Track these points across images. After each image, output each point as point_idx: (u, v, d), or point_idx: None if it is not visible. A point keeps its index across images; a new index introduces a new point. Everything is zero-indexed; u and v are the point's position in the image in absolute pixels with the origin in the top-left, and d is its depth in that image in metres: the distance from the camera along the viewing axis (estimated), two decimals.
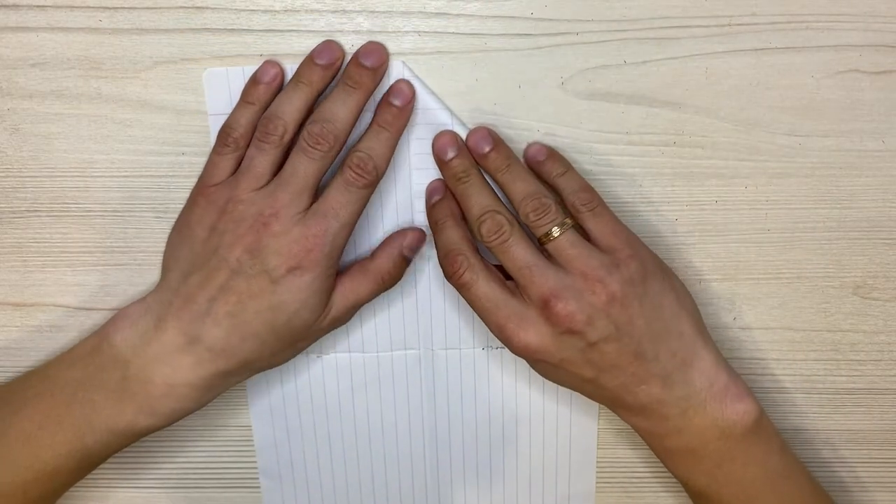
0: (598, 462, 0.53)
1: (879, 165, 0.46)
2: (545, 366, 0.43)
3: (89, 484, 0.51)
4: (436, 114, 0.45)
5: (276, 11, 0.43)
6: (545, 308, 0.42)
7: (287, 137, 0.42)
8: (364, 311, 0.48)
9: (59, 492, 0.44)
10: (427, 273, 0.48)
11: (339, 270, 0.45)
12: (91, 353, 0.43)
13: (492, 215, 0.43)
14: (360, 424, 0.52)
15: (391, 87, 0.44)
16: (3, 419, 0.42)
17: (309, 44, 0.43)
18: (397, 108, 0.43)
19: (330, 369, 0.50)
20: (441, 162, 0.45)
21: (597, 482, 0.53)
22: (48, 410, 0.42)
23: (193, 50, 0.44)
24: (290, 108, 0.42)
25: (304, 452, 0.53)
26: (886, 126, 0.45)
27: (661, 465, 0.46)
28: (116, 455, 0.44)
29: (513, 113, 0.45)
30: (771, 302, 0.49)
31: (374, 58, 0.43)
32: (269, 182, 0.42)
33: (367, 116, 0.44)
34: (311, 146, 0.41)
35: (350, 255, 0.47)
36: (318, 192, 0.43)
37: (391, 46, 0.44)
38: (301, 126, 0.42)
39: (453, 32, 0.44)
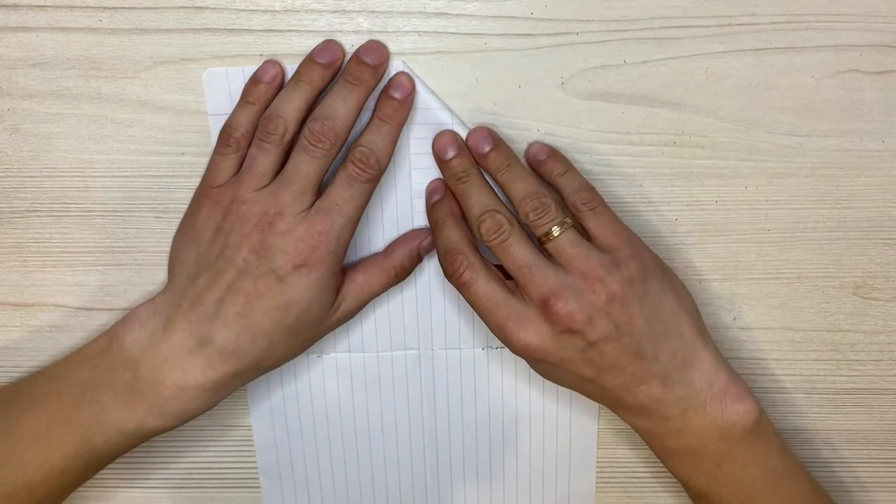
0: (598, 462, 0.53)
1: (879, 165, 0.46)
2: (545, 365, 0.43)
3: (91, 484, 0.50)
4: (436, 113, 0.45)
5: (276, 11, 0.43)
6: (545, 307, 0.42)
7: (288, 136, 0.42)
8: (364, 311, 0.48)
9: (65, 492, 0.44)
10: (427, 273, 0.48)
11: (345, 266, 0.45)
12: (100, 354, 0.43)
13: (491, 215, 0.43)
14: (360, 425, 0.52)
15: (391, 80, 0.44)
16: (10, 419, 0.42)
17: (309, 44, 0.43)
18: (398, 101, 0.43)
19: (330, 369, 0.50)
20: (441, 161, 0.45)
21: (597, 482, 0.53)
22: (56, 411, 0.42)
23: (193, 50, 0.44)
24: (291, 107, 0.42)
25: (304, 452, 0.53)
26: (886, 126, 0.45)
27: (661, 465, 0.46)
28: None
29: (513, 113, 0.45)
30: (771, 302, 0.49)
31: (374, 55, 0.43)
32: (271, 181, 0.42)
33: (366, 116, 0.44)
34: (312, 144, 0.41)
35: (350, 255, 0.47)
36: (320, 189, 0.43)
37: (391, 46, 0.44)
38: (302, 125, 0.42)
39: (453, 32, 0.44)
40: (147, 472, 0.54)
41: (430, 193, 0.46)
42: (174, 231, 0.45)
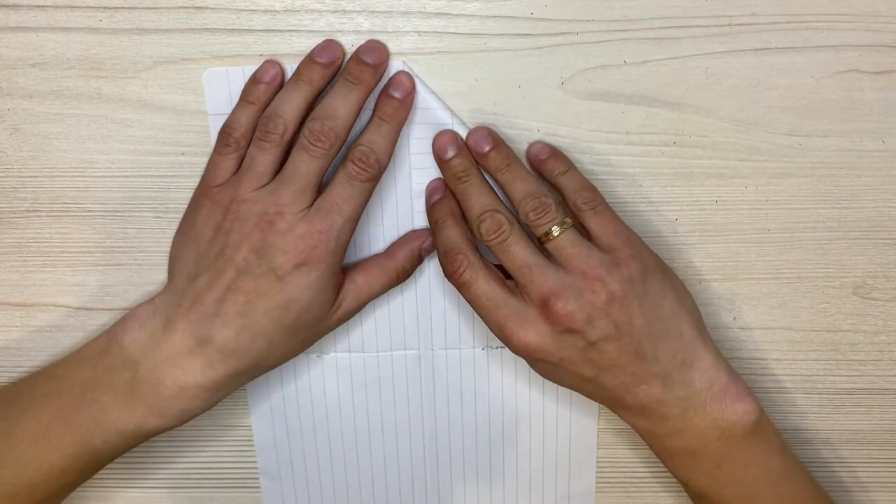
0: (598, 462, 0.53)
1: (879, 165, 0.46)
2: (545, 365, 0.43)
3: (91, 484, 0.51)
4: (436, 113, 0.45)
5: (276, 11, 0.43)
6: (545, 307, 0.42)
7: (287, 136, 0.42)
8: (364, 311, 0.48)
9: (65, 492, 0.44)
10: (427, 273, 0.48)
11: (345, 266, 0.45)
12: (100, 354, 0.43)
13: (491, 214, 0.43)
14: (360, 425, 0.52)
15: (391, 80, 0.44)
16: (10, 419, 0.42)
17: (309, 44, 0.43)
18: (398, 101, 0.43)
19: (330, 369, 0.50)
20: (441, 161, 0.45)
21: (597, 482, 0.53)
22: (56, 411, 0.42)
23: (193, 50, 0.44)
24: (290, 106, 0.42)
25: (304, 453, 0.53)
26: (886, 126, 0.45)
27: (661, 465, 0.46)
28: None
29: (513, 113, 0.45)
30: (771, 302, 0.49)
31: (374, 55, 0.43)
32: (271, 181, 0.42)
33: (366, 115, 0.44)
34: (312, 144, 0.41)
35: (350, 255, 0.47)
36: (320, 188, 0.43)
37: (391, 46, 0.44)
38: (301, 124, 0.42)
39: (453, 32, 0.44)
40: (147, 472, 0.54)
41: (429, 193, 0.46)
42: (174, 231, 0.45)
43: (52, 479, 0.42)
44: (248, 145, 0.43)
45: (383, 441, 0.52)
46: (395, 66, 0.44)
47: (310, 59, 0.43)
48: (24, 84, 0.44)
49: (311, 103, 0.43)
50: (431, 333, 0.50)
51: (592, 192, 0.44)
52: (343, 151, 0.43)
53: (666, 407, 0.43)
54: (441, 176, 0.46)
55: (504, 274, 0.44)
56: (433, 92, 0.45)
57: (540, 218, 0.42)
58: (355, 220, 0.43)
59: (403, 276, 0.46)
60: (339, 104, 0.42)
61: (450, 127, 0.45)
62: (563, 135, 0.45)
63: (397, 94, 0.43)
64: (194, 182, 0.45)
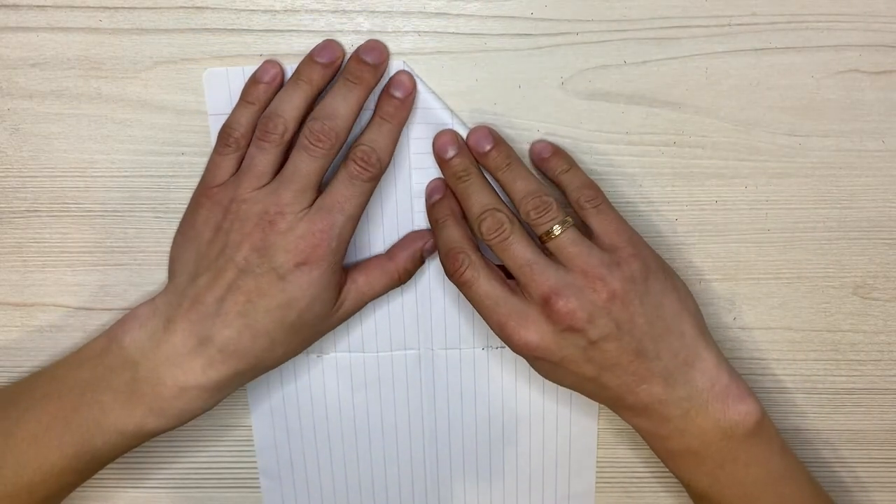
0: (598, 462, 0.53)
1: (879, 165, 0.46)
2: (546, 364, 0.43)
3: (91, 484, 0.51)
4: (436, 113, 0.45)
5: (276, 11, 0.43)
6: (546, 306, 0.42)
7: (287, 136, 0.42)
8: (364, 311, 0.48)
9: (65, 492, 0.44)
10: (427, 273, 0.48)
11: (345, 266, 0.45)
12: (100, 355, 0.43)
13: (492, 213, 0.43)
14: (360, 424, 0.52)
15: (392, 79, 0.44)
16: (10, 420, 0.42)
17: (309, 44, 0.43)
18: (399, 100, 0.43)
19: (330, 369, 0.50)
20: (441, 161, 0.45)
21: (597, 482, 0.53)
22: (56, 412, 0.42)
23: (193, 50, 0.44)
24: (290, 106, 0.42)
25: (304, 453, 0.53)
26: (886, 126, 0.45)
27: (661, 465, 0.46)
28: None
29: (513, 113, 0.45)
30: (771, 302, 0.49)
31: (375, 54, 0.43)
32: (271, 180, 0.42)
33: (366, 115, 0.44)
34: (312, 144, 0.41)
35: (350, 255, 0.47)
36: (320, 187, 0.43)
37: (391, 46, 0.44)
38: (301, 124, 0.42)
39: (453, 32, 0.44)
40: (147, 473, 0.54)
41: (430, 193, 0.46)
42: (174, 231, 0.45)
43: (52, 479, 0.42)
44: (249, 145, 0.43)
45: (383, 441, 0.52)
46: (395, 65, 0.44)
47: (310, 59, 0.43)
48: (24, 84, 0.44)
49: (311, 103, 0.43)
50: (431, 333, 0.50)
51: (595, 191, 0.44)
52: (343, 151, 0.43)
53: (668, 407, 0.43)
54: (441, 176, 0.46)
55: (505, 274, 0.44)
56: (433, 92, 0.45)
57: (541, 217, 0.42)
58: (356, 220, 0.43)
59: (405, 277, 0.46)
60: (340, 104, 0.42)
61: (450, 127, 0.45)
62: (563, 135, 0.45)
63: (398, 94, 0.43)
64: (194, 182, 0.45)
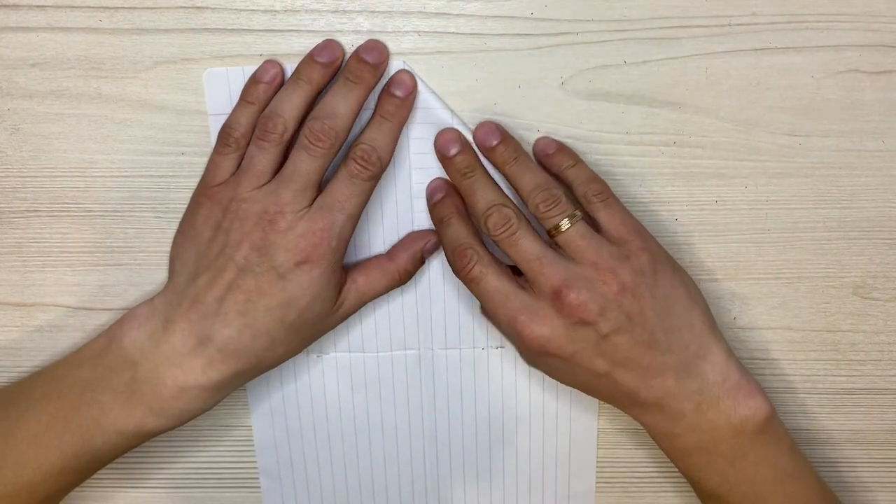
0: (598, 462, 0.53)
1: (879, 165, 0.46)
2: (557, 362, 0.43)
3: (91, 484, 0.51)
4: (436, 113, 0.45)
5: (276, 11, 0.43)
6: (557, 299, 0.41)
7: (287, 135, 0.42)
8: (364, 311, 0.48)
9: (64, 492, 0.44)
10: (427, 273, 0.48)
11: (345, 265, 0.45)
12: (99, 355, 0.43)
13: (498, 208, 0.42)
14: (360, 424, 0.52)
15: (392, 78, 0.44)
16: (10, 420, 0.42)
17: (309, 44, 0.43)
18: (399, 99, 0.43)
19: (330, 369, 0.50)
20: (444, 158, 0.45)
21: (597, 482, 0.53)
22: (55, 411, 0.42)
23: (193, 50, 0.44)
24: (290, 105, 0.42)
25: (304, 453, 0.53)
26: (886, 126, 0.45)
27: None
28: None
29: (513, 113, 0.45)
30: (771, 302, 0.49)
31: (375, 54, 0.43)
32: (270, 180, 0.42)
33: (365, 115, 0.44)
34: (312, 143, 0.41)
35: (350, 255, 0.47)
36: (320, 186, 0.43)
37: (391, 46, 0.44)
38: (301, 123, 0.42)
39: (453, 32, 0.44)
40: (147, 473, 0.54)
41: (432, 192, 0.46)
42: (174, 231, 0.45)
43: (52, 479, 0.42)
44: (249, 145, 0.43)
45: (383, 441, 0.52)
46: (395, 65, 0.44)
47: (310, 59, 0.43)
48: (24, 84, 0.44)
49: (311, 103, 0.43)
50: (431, 333, 0.50)
51: (602, 185, 0.44)
52: (343, 150, 0.43)
53: (680, 401, 0.42)
54: (443, 175, 0.46)
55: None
56: (433, 92, 0.45)
57: (550, 209, 0.42)
58: (356, 219, 0.43)
59: (406, 277, 0.46)
60: (340, 103, 0.42)
61: (451, 126, 0.45)
62: (563, 135, 0.45)
63: (399, 93, 0.43)
64: (194, 182, 0.45)
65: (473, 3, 0.43)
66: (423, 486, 0.54)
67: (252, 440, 0.53)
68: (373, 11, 0.43)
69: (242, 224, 0.41)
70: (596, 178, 0.44)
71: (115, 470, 0.53)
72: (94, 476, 0.44)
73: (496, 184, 0.44)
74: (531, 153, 0.46)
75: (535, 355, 0.43)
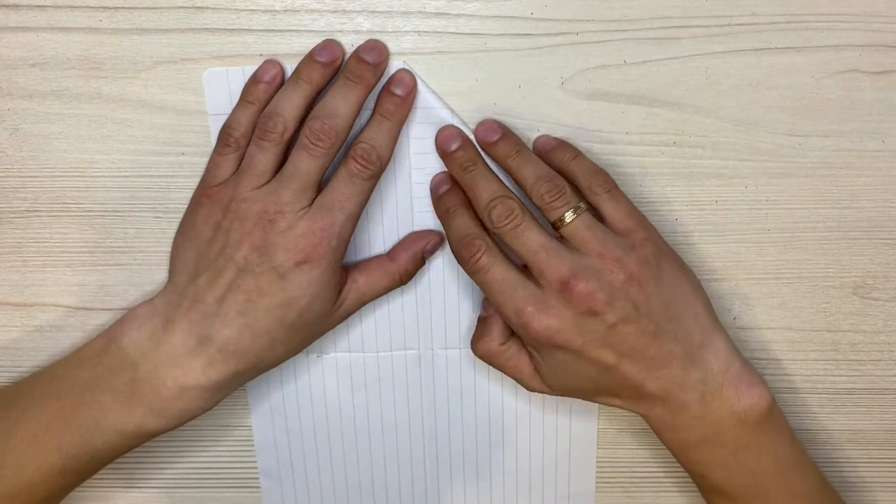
0: (598, 462, 0.53)
1: (879, 165, 0.46)
2: (564, 356, 0.43)
3: (91, 485, 0.51)
4: (436, 113, 0.45)
5: (276, 11, 0.43)
6: (564, 290, 0.41)
7: (287, 135, 0.42)
8: (364, 311, 0.48)
9: (64, 492, 0.44)
10: (427, 273, 0.48)
11: (345, 265, 0.45)
12: (99, 355, 0.43)
13: (502, 200, 0.42)
14: (360, 424, 0.52)
15: (392, 77, 0.44)
16: (10, 420, 0.42)
17: (309, 44, 0.43)
18: (399, 98, 0.43)
19: (330, 369, 0.50)
20: (445, 154, 0.44)
21: (597, 482, 0.53)
22: (55, 412, 0.42)
23: (193, 50, 0.44)
24: (290, 105, 0.42)
25: (304, 453, 0.53)
26: (886, 126, 0.45)
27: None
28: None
29: (513, 113, 0.45)
30: (771, 302, 0.49)
31: (375, 54, 0.43)
32: (270, 179, 0.42)
33: (365, 116, 0.44)
34: (312, 143, 0.41)
35: (350, 255, 0.47)
36: (320, 186, 0.43)
37: (391, 46, 0.44)
38: (301, 123, 0.42)
39: (453, 32, 0.44)
40: (147, 473, 0.54)
41: (436, 185, 0.46)
42: (174, 231, 0.45)
43: (52, 479, 0.42)
44: (249, 145, 0.43)
45: (383, 441, 0.52)
46: (395, 65, 0.44)
47: (310, 58, 0.43)
48: (24, 84, 0.44)
49: (311, 102, 0.43)
50: (431, 333, 0.50)
51: (605, 176, 0.44)
52: (343, 149, 0.43)
53: (685, 392, 0.42)
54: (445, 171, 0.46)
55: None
56: (433, 91, 0.45)
57: (555, 200, 0.42)
58: (356, 218, 0.43)
59: (406, 278, 0.46)
60: (340, 103, 0.42)
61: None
62: (563, 135, 0.45)
63: (399, 92, 0.43)
64: (194, 182, 0.45)
65: (473, 3, 0.43)
66: (423, 486, 0.54)
67: (252, 440, 0.53)
68: (373, 11, 0.43)
69: (242, 224, 0.41)
70: (600, 170, 0.44)
71: (115, 470, 0.53)
72: (94, 476, 0.44)
73: (498, 177, 0.44)
74: (534, 148, 0.45)
75: (541, 347, 0.43)
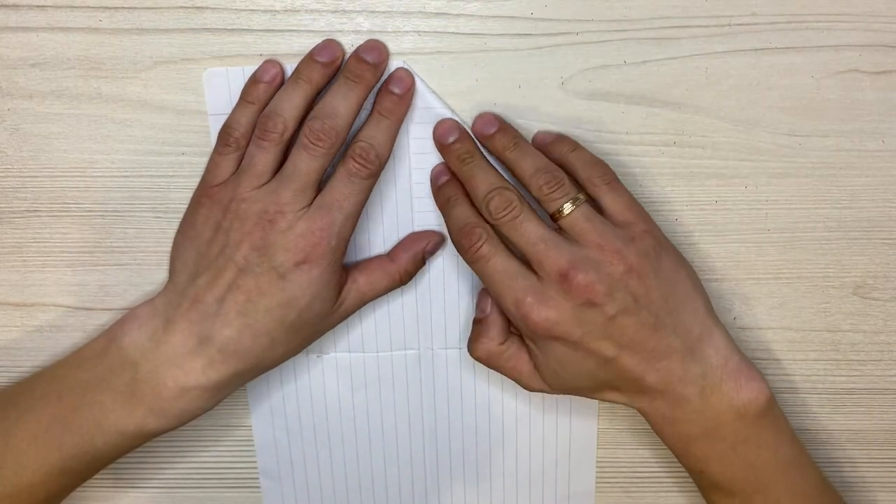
0: (598, 462, 0.53)
1: (879, 165, 0.46)
2: (562, 349, 0.42)
3: (91, 485, 0.51)
4: (436, 113, 0.45)
5: (276, 11, 0.43)
6: (564, 281, 0.41)
7: (287, 135, 0.42)
8: (364, 311, 0.48)
9: (65, 492, 0.44)
10: (427, 273, 0.48)
11: (346, 265, 0.45)
12: (99, 355, 0.43)
13: (500, 191, 0.42)
14: (360, 424, 0.52)
15: (391, 76, 0.44)
16: (10, 420, 0.42)
17: (309, 44, 0.43)
18: (397, 96, 0.43)
19: (330, 369, 0.50)
20: (443, 147, 0.44)
21: (597, 482, 0.53)
22: (56, 412, 0.42)
23: (193, 50, 0.44)
24: (290, 105, 0.42)
25: (304, 452, 0.53)
26: (886, 126, 0.45)
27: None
28: None
29: (513, 113, 0.45)
30: (771, 302, 0.49)
31: (375, 54, 0.43)
32: (270, 179, 0.42)
33: (364, 115, 0.44)
34: (312, 143, 0.41)
35: (350, 255, 0.47)
36: (320, 185, 0.43)
37: (391, 46, 0.44)
38: (301, 123, 0.42)
39: (453, 32, 0.44)
40: (147, 473, 0.54)
41: (436, 176, 0.46)
42: (174, 231, 0.45)
43: (52, 479, 0.42)
44: (249, 145, 0.43)
45: (383, 441, 0.52)
46: (394, 65, 0.44)
47: (310, 58, 0.43)
48: (24, 84, 0.44)
49: (311, 102, 0.43)
50: (431, 333, 0.50)
51: (605, 168, 0.43)
52: (342, 148, 0.43)
53: (685, 385, 0.42)
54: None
55: None
56: (433, 91, 0.45)
57: (554, 191, 0.42)
58: (356, 217, 0.43)
59: (406, 278, 0.46)
60: (340, 103, 0.42)
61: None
62: None
63: (397, 90, 0.43)
64: (194, 182, 0.45)
65: (473, 3, 0.43)
66: (423, 486, 0.54)
67: (252, 440, 0.53)
68: (373, 11, 0.43)
69: (242, 224, 0.41)
70: (599, 161, 0.44)
71: (115, 470, 0.53)
72: (95, 477, 0.44)
73: (496, 169, 0.44)
74: (533, 144, 0.45)
75: (540, 339, 0.43)
